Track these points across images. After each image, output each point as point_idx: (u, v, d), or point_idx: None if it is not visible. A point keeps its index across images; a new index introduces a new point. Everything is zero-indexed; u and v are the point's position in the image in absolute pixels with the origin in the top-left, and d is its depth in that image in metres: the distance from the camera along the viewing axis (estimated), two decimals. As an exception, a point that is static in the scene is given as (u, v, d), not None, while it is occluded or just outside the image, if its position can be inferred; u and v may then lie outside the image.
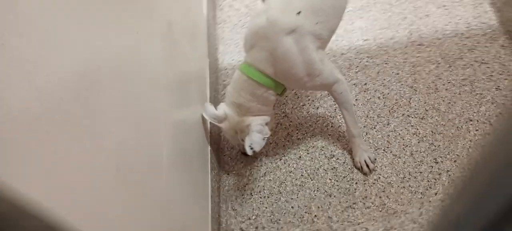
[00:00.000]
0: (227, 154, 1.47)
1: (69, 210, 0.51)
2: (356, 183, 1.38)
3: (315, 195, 1.36)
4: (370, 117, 1.50)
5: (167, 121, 0.96)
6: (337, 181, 1.39)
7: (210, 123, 1.38)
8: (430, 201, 1.33)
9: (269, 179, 1.40)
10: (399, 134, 1.46)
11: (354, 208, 1.34)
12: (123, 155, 0.69)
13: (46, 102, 0.49)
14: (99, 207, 0.59)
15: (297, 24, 1.05)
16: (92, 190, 0.58)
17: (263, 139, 1.14)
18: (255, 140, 1.12)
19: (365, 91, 1.56)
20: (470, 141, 1.43)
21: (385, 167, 1.40)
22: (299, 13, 1.05)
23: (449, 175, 1.37)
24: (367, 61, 1.64)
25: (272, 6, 1.09)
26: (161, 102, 0.94)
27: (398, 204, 1.34)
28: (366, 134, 1.47)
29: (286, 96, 1.58)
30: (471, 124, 1.46)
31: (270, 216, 1.34)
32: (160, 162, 0.87)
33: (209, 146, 1.34)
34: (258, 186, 1.39)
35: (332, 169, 1.41)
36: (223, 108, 1.21)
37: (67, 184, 0.52)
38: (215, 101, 1.52)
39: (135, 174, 0.73)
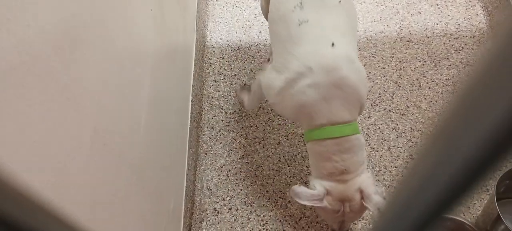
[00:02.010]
0: (206, 134, 1.47)
1: (39, 169, 0.51)
2: (332, 173, 1.39)
3: (290, 181, 1.37)
4: (352, 109, 1.51)
5: (149, 89, 0.95)
6: (313, 169, 1.40)
7: (192, 101, 1.37)
8: (402, 196, 1.35)
9: (247, 162, 1.41)
10: (379, 127, 1.47)
11: (328, 197, 1.36)
12: (101, 116, 0.68)
13: (25, 53, 0.48)
14: (72, 168, 0.59)
15: (341, 54, 0.95)
16: (65, 149, 0.57)
17: (384, 198, 0.96)
18: (381, 204, 0.94)
19: (349, 83, 1.57)
20: (448, 141, 1.45)
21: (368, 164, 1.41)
22: (333, 44, 0.96)
23: (424, 173, 1.39)
24: (354, 53, 1.64)
25: (305, 56, 0.96)
26: (145, 69, 0.93)
27: (372, 197, 1.36)
28: (347, 125, 1.48)
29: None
30: (450, 124, 1.48)
31: (244, 199, 1.35)
32: (138, 129, 0.87)
33: (189, 123, 1.33)
34: (235, 168, 1.40)
35: (310, 156, 1.42)
36: (320, 184, 1.00)
37: (38, 141, 0.51)
38: (199, 79, 1.51)
39: (112, 137, 0.73)
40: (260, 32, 1.70)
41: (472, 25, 1.72)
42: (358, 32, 1.70)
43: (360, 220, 1.31)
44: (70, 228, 0.17)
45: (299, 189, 0.98)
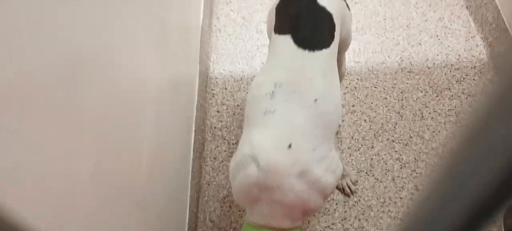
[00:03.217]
0: (209, 164, 1.46)
1: (37, 199, 0.50)
2: (336, 204, 1.38)
3: (294, 213, 1.35)
4: (355, 139, 1.51)
5: (152, 120, 0.95)
6: (317, 200, 1.38)
7: (195, 131, 1.38)
8: (408, 228, 1.33)
9: (250, 193, 1.39)
10: (382, 158, 1.46)
11: (332, 229, 1.34)
12: (103, 147, 0.68)
13: (29, 84, 0.49)
14: (71, 198, 0.58)
15: (295, 160, 0.86)
16: (65, 180, 0.57)
17: None
18: None
19: (352, 113, 1.57)
20: (452, 171, 1.43)
21: (366, 190, 1.40)
22: (290, 146, 0.86)
23: (429, 204, 1.37)
24: (356, 83, 1.65)
25: (258, 147, 0.87)
26: (148, 100, 0.94)
27: (377, 228, 1.33)
28: (350, 155, 1.47)
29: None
30: (454, 155, 1.47)
31: None
32: (140, 160, 0.87)
33: (192, 154, 1.33)
34: (238, 198, 1.38)
35: (313, 187, 1.41)
36: None
37: (38, 172, 0.51)
38: (202, 110, 1.51)
39: (113, 169, 0.73)
40: (262, 63, 1.72)
41: (472, 56, 1.73)
42: (359, 62, 1.71)
43: (365, 253, 1.28)
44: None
45: None
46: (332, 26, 1.00)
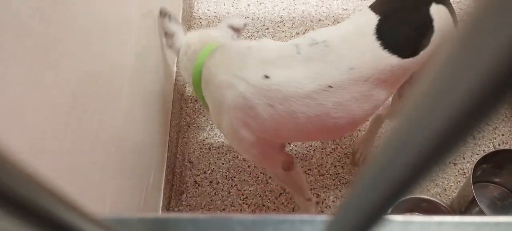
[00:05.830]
0: (190, 106, 1.46)
1: (14, 131, 0.49)
2: (314, 150, 1.40)
3: (272, 157, 1.38)
4: (337, 88, 1.51)
5: (133, 58, 0.93)
6: (296, 146, 1.41)
7: (176, 72, 1.35)
8: (381, 176, 1.37)
9: (230, 136, 1.40)
10: (363, 108, 1.48)
11: (309, 174, 1.37)
12: (81, 82, 0.67)
13: (1, 12, 0.46)
14: (49, 132, 0.57)
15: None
16: (43, 113, 0.56)
17: None
18: None
19: (336, 62, 1.56)
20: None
21: (344, 138, 1.43)
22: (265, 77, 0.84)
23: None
24: (342, 32, 1.63)
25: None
26: (129, 37, 0.91)
27: (352, 176, 1.37)
28: (331, 104, 1.48)
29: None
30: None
31: (225, 173, 1.35)
32: (119, 98, 0.86)
33: (172, 95, 1.32)
34: (218, 142, 1.39)
35: (293, 133, 1.43)
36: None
37: (15, 102, 0.50)
38: (184, 51, 1.48)
39: (92, 105, 0.71)
40: (248, 5, 1.67)
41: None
42: (346, 10, 1.68)
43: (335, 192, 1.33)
44: (47, 191, 0.16)
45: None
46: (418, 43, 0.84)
